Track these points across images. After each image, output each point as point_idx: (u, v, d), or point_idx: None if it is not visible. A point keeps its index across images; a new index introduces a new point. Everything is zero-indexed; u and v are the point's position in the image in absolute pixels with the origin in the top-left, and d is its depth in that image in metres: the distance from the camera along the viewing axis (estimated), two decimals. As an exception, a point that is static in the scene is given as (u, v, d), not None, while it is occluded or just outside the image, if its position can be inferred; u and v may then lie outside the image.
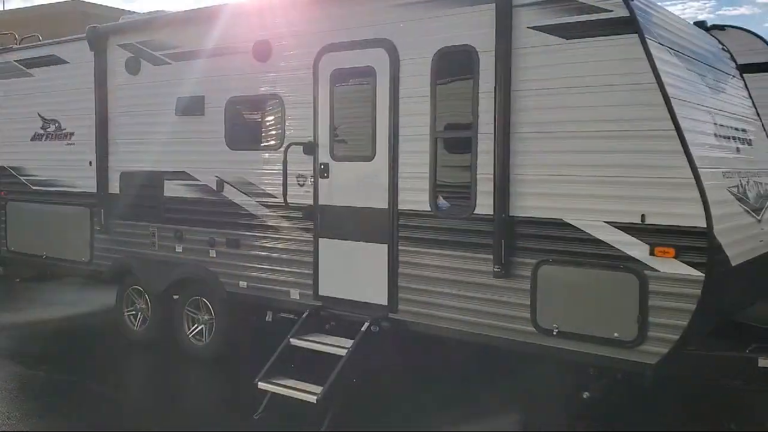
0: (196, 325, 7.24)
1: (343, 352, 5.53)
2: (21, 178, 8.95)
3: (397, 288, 5.70)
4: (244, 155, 6.73)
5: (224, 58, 6.81)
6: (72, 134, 8.31)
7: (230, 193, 6.81)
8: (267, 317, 6.95)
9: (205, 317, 7.16)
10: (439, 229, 5.46)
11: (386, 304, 5.74)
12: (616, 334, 4.69)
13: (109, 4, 30.40)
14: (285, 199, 6.17)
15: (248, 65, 6.63)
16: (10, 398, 6.16)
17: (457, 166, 5.48)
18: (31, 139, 8.79)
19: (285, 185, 6.15)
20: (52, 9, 29.64)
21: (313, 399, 5.26)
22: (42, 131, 8.66)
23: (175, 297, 7.39)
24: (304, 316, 6.03)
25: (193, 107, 7.05)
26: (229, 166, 6.82)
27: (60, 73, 8.39)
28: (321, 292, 6.17)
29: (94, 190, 7.97)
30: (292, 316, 6.69)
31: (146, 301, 7.66)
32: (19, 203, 9.02)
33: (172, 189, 7.28)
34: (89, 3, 29.16)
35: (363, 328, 5.59)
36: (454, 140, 5.49)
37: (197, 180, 7.07)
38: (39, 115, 8.68)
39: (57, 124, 8.48)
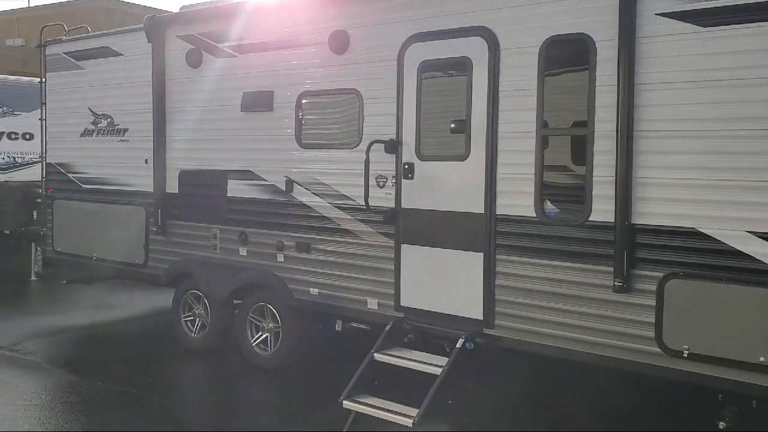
0: (260, 333, 6.74)
1: (437, 370, 4.99)
2: (70, 175, 8.50)
3: (493, 301, 5.15)
4: (316, 154, 6.21)
5: (296, 50, 6.29)
6: (126, 130, 7.84)
7: (300, 194, 6.30)
8: (336, 327, 6.44)
9: (271, 325, 6.65)
10: (546, 237, 4.89)
11: (481, 318, 5.19)
12: (762, 359, 4.11)
13: (134, 1, 30.09)
14: (366, 202, 5.63)
15: (323, 57, 6.10)
16: (73, 412, 5.69)
17: (568, 167, 4.93)
18: (81, 135, 8.33)
19: (367, 187, 5.61)
20: (76, 5, 29.40)
21: (408, 423, 4.73)
22: (93, 127, 8.20)
23: (237, 302, 6.92)
24: (387, 328, 5.50)
25: (260, 103, 6.55)
26: (300, 165, 6.31)
27: (113, 66, 7.92)
28: (403, 303, 5.64)
29: (151, 189, 7.50)
30: (364, 327, 6.20)
31: (205, 307, 7.17)
32: (67, 202, 8.57)
33: (236, 189, 6.78)
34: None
35: (458, 345, 5.04)
36: (564, 139, 4.94)
37: (264, 180, 6.56)
38: (90, 110, 8.22)
39: (109, 120, 8.02)
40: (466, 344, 5.06)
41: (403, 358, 5.28)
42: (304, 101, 6.27)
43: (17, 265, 11.99)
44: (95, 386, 6.28)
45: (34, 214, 11.75)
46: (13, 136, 12.74)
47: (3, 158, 12.55)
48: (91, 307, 9.47)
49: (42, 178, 9.07)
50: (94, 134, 8.19)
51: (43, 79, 8.87)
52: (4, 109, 12.73)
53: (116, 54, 7.88)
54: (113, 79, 7.93)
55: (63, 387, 6.28)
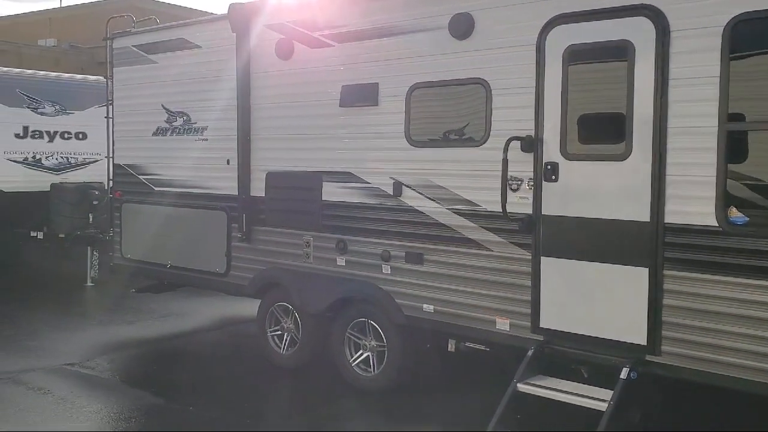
0: (361, 352, 6.05)
1: (601, 406, 4.26)
2: (140, 177, 7.89)
3: (660, 323, 4.40)
4: (431, 153, 5.51)
5: (407, 37, 5.58)
6: (205, 129, 7.20)
7: (411, 198, 5.60)
8: (449, 347, 5.73)
9: (373, 343, 5.97)
10: (732, 249, 4.13)
11: (644, 343, 4.45)
12: None
13: (168, 1, 29.64)
14: (503, 209, 4.89)
15: (441, 44, 5.38)
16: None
17: (761, 168, 4.17)
18: (154, 134, 7.72)
19: (504, 191, 4.88)
20: (108, 5, 29.07)
21: (576, 470, 4.04)
22: (167, 125, 7.58)
23: (330, 316, 6.24)
24: (529, 354, 4.77)
25: (363, 96, 5.85)
26: (411, 165, 5.60)
27: (190, 59, 7.28)
28: (543, 324, 4.90)
29: (234, 192, 6.85)
30: (483, 348, 5.50)
31: (295, 321, 6.51)
32: (137, 205, 7.96)
33: (333, 192, 6.11)
34: None
35: (622, 375, 4.31)
36: (757, 135, 4.18)
37: (366, 182, 5.87)
38: (163, 107, 7.59)
39: (185, 117, 7.38)
40: (630, 374, 4.33)
41: (553, 390, 4.56)
42: (416, 93, 5.57)
43: (73, 271, 11.49)
44: (185, 412, 5.62)
45: (90, 217, 11.22)
46: (66, 136, 12.23)
47: (56, 159, 12.04)
48: (158, 316, 8.88)
49: (108, 180, 8.49)
50: (169, 133, 7.57)
51: (110, 75, 8.29)
52: (57, 107, 12.22)
53: (193, 46, 7.24)
54: (190, 73, 7.29)
55: (150, 411, 5.64)
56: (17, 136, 11.62)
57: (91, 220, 11.21)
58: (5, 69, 12.50)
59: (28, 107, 11.85)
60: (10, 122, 11.56)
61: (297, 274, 6.37)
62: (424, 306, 5.53)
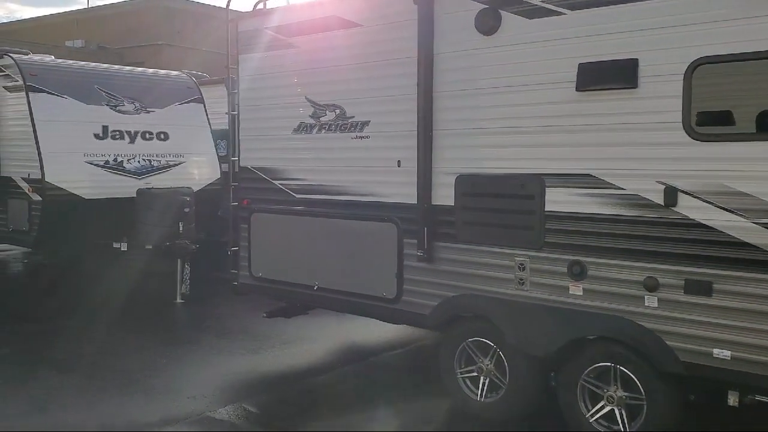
0: (602, 405, 4.69)
1: None
2: (276, 183, 6.57)
3: None
4: (725, 149, 4.14)
5: (688, -3, 4.24)
6: (365, 124, 5.87)
7: (693, 209, 4.21)
8: (729, 401, 4.36)
9: (622, 395, 4.61)
10: None
11: None
12: None
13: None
14: None
15: (745, 3, 4.03)
16: None
17: None
18: (295, 132, 6.40)
19: None
20: (135, 5, 28.04)
21: None
22: (313, 121, 6.26)
23: (557, 358, 4.88)
24: None
25: (613, 77, 4.47)
26: (692, 165, 4.21)
27: (347, 41, 5.93)
28: None
29: (408, 200, 5.52)
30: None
31: (499, 362, 5.17)
32: (272, 216, 6.63)
33: (563, 200, 4.74)
34: None
35: None
36: None
37: (618, 187, 4.49)
38: (308, 100, 6.27)
39: (339, 111, 6.06)
40: None
41: None
42: (700, 71, 4.20)
43: (159, 286, 10.25)
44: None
45: (181, 226, 9.95)
46: (147, 136, 10.95)
47: (138, 161, 10.77)
48: (280, 342, 7.54)
49: (230, 185, 7.17)
50: (315, 130, 6.25)
51: (231, 64, 6.99)
52: (136, 105, 10.95)
53: (351, 25, 5.90)
54: (345, 57, 5.96)
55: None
56: (97, 136, 10.35)
57: (181, 229, 9.96)
58: (81, 63, 11.29)
59: (107, 105, 10.61)
60: (89, 121, 10.31)
61: (506, 304, 5.01)
62: (715, 351, 4.15)
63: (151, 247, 10.00)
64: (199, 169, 11.46)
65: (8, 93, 10.26)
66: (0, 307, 9.08)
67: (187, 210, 10.01)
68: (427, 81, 5.35)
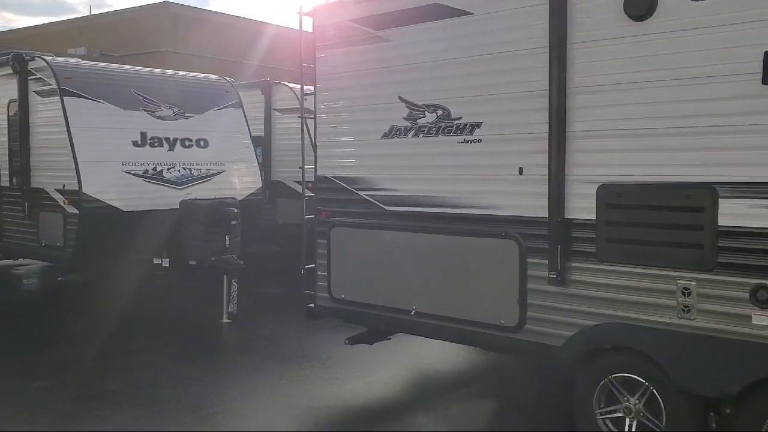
0: (797, 459, 3.94)
1: None
2: (362, 193, 5.80)
3: None
4: None
5: None
6: (476, 126, 5.10)
7: None
8: None
9: (824, 446, 3.86)
10: None
11: None
12: None
13: (201, 6, 28.00)
14: None
15: None
16: None
17: None
18: (385, 136, 5.63)
19: None
20: (141, 11, 27.35)
21: None
22: (408, 123, 5.49)
23: (717, 397, 4.12)
24: None
25: (814, 66, 3.76)
26: None
27: (452, 32, 5.18)
28: None
29: (532, 213, 4.75)
30: None
31: (652, 401, 4.39)
32: (356, 230, 5.86)
33: (741, 213, 3.94)
34: (179, 5, 26.68)
35: None
36: None
37: (821, 199, 3.76)
38: (402, 100, 5.51)
39: (441, 112, 5.29)
40: None
41: None
42: None
43: (202, 305, 9.50)
44: None
45: (227, 239, 9.18)
46: (187, 143, 10.19)
47: (178, 170, 9.99)
48: (351, 369, 6.69)
49: (304, 196, 6.43)
50: (411, 134, 5.48)
51: (305, 62, 6.24)
52: (175, 110, 10.20)
53: (459, 13, 5.14)
54: (450, 51, 5.19)
55: None
56: (135, 144, 9.59)
57: (227, 243, 9.18)
58: (115, 65, 10.52)
59: (145, 110, 9.85)
60: (126, 128, 9.55)
61: (666, 335, 4.23)
62: None
63: (195, 262, 9.23)
64: (241, 178, 10.70)
65: (40, 98, 9.48)
66: (34, 329, 8.29)
67: (234, 222, 9.24)
68: (559, 76, 4.59)
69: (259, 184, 10.90)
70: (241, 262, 9.05)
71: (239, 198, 10.04)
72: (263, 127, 12.42)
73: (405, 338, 6.41)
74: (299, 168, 6.44)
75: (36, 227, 9.55)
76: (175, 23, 27.54)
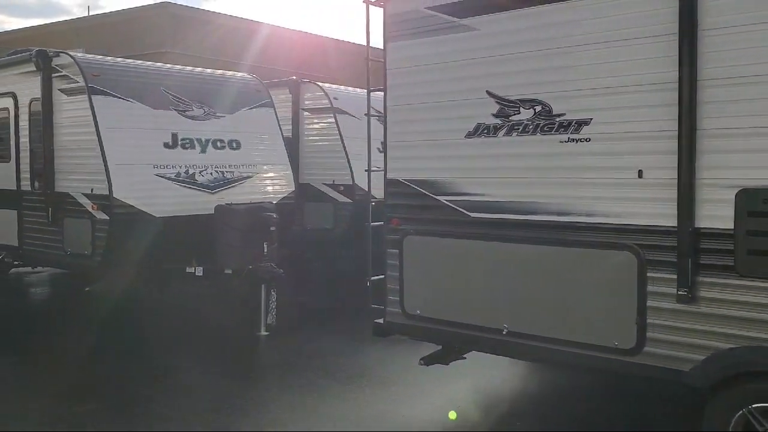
0: None
1: None
2: (442, 199, 5.22)
3: None
4: None
5: None
6: (584, 123, 4.51)
7: None
8: None
9: None
10: None
11: None
12: None
13: (201, 6, 27.46)
14: None
15: None
16: None
17: None
18: (469, 135, 5.05)
19: None
20: (140, 12, 26.76)
21: None
22: (498, 121, 4.91)
23: None
24: None
25: None
26: None
27: (553, 18, 4.60)
28: None
29: (656, 222, 4.18)
30: None
31: (804, 437, 3.84)
32: (434, 239, 5.26)
33: None
34: (179, 5, 26.09)
35: None
36: None
37: None
38: (490, 95, 4.92)
39: (539, 107, 4.70)
40: None
41: None
42: None
43: (237, 316, 8.91)
44: None
45: (265, 247, 8.59)
46: (219, 145, 9.59)
47: (211, 173, 9.38)
48: (417, 390, 6.09)
49: (369, 201, 5.85)
50: (502, 132, 4.90)
51: (368, 56, 5.66)
52: (206, 110, 9.59)
53: (561, -3, 4.60)
54: (551, 40, 4.61)
55: None
56: (166, 145, 8.97)
57: (266, 250, 8.60)
58: (142, 62, 9.92)
59: (176, 109, 9.25)
60: (157, 128, 8.94)
61: (827, 361, 3.69)
62: None
63: (231, 271, 8.65)
64: (274, 181, 10.10)
65: (65, 96, 8.86)
66: (68, 345, 7.69)
67: (272, 228, 8.67)
68: (689, 64, 4.02)
69: (293, 188, 10.30)
70: (281, 270, 8.48)
71: (274, 202, 9.47)
72: (290, 127, 11.84)
73: (479, 357, 5.84)
74: (365, 171, 5.86)
75: (61, 234, 8.93)
76: (174, 24, 26.92)
